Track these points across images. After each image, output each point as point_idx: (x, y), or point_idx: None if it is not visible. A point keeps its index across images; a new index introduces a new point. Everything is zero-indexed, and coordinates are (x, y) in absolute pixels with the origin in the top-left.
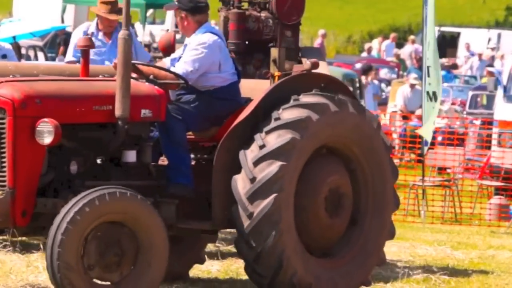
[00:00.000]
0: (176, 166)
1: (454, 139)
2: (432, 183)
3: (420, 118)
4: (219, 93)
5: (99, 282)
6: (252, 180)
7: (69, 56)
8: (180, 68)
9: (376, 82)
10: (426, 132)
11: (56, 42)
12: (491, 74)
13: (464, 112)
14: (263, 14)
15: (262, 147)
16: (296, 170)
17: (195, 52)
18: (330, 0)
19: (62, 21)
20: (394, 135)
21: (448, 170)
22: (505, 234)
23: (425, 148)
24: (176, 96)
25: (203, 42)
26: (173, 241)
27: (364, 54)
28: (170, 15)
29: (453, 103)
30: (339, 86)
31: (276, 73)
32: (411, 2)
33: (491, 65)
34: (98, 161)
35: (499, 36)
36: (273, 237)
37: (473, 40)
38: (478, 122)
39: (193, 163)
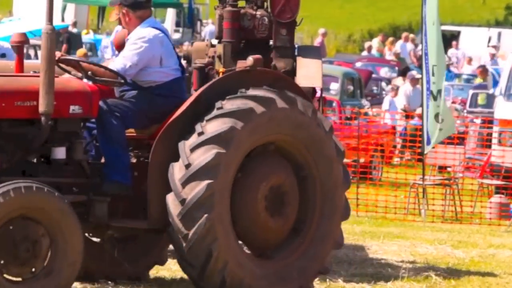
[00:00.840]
0: (112, 164)
1: (455, 138)
2: (432, 182)
3: (420, 117)
4: (161, 90)
5: (9, 277)
6: (187, 166)
7: (108, 54)
8: (119, 63)
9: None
10: (431, 131)
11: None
12: (482, 73)
13: (465, 111)
14: (259, 12)
15: (200, 134)
16: (234, 160)
17: (134, 47)
18: None
19: (63, 20)
20: (397, 131)
21: (449, 169)
22: (505, 232)
23: (428, 147)
24: (120, 93)
25: (142, 36)
26: (127, 241)
27: (365, 53)
28: (170, 13)
29: (453, 102)
30: (289, 84)
31: (221, 69)
32: (411, 1)
33: (483, 66)
34: (28, 157)
35: (499, 35)
36: (204, 225)
37: (473, 39)
38: (478, 121)
39: (134, 160)
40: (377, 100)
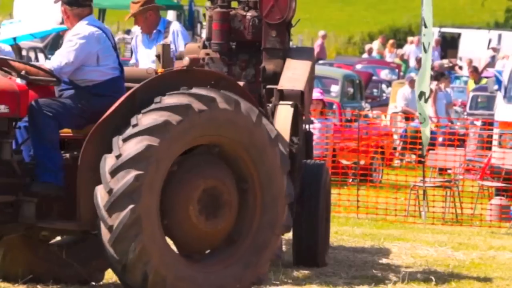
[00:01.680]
0: (43, 164)
1: (455, 140)
2: (433, 184)
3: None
4: (97, 89)
5: None
6: (118, 156)
7: (133, 59)
8: (54, 61)
9: (448, 90)
10: (423, 133)
11: (58, 43)
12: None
13: (465, 113)
14: (249, 14)
15: (135, 125)
16: (168, 154)
17: (69, 44)
18: (331, 1)
19: (63, 22)
20: (395, 136)
21: (449, 171)
22: (506, 235)
23: (424, 149)
24: (59, 92)
25: (77, 33)
26: (77, 243)
27: (365, 55)
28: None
29: (454, 104)
30: (232, 85)
31: (160, 70)
32: (411, 3)
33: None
34: None
35: (499, 37)
36: (129, 216)
37: (474, 41)
38: (478, 123)
39: (69, 161)
40: (377, 103)
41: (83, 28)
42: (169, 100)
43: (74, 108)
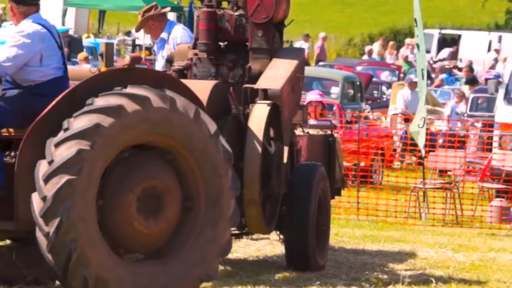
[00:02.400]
0: None
1: (455, 141)
2: (433, 186)
3: None
4: (39, 89)
5: None
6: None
7: (159, 65)
8: None
9: None
10: (415, 135)
11: None
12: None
13: (465, 115)
14: (237, 13)
15: (66, 130)
16: (101, 157)
17: (12, 40)
18: (331, 3)
19: (63, 24)
20: (395, 138)
21: (449, 173)
22: (506, 236)
23: (422, 151)
24: (1, 92)
25: (21, 31)
26: (26, 244)
27: (365, 57)
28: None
29: None
30: (176, 84)
31: (103, 68)
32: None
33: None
34: None
35: (499, 38)
36: (65, 222)
37: (474, 42)
38: (479, 125)
39: (10, 161)
40: (377, 104)
41: (28, 26)
42: (101, 101)
43: (16, 108)
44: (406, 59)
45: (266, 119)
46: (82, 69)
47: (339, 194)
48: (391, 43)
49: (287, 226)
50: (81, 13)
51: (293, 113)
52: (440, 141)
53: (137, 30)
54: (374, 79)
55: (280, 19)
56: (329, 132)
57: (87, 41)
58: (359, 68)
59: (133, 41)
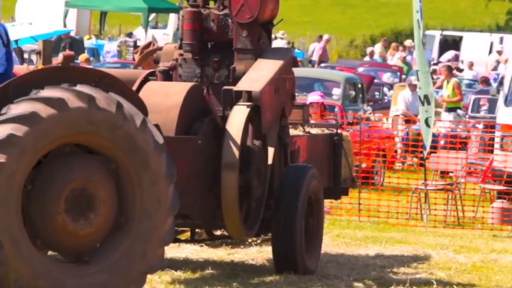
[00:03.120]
0: None
1: (457, 143)
2: (434, 187)
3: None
4: None
5: None
6: None
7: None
8: None
9: None
10: (424, 136)
11: (59, 46)
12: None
13: (467, 116)
14: (222, 13)
15: None
16: (19, 167)
17: None
18: (333, 5)
19: (64, 25)
20: (397, 139)
21: (451, 174)
22: (507, 237)
23: (424, 152)
24: None
25: None
26: None
27: (367, 58)
28: (172, 19)
29: None
30: (114, 82)
31: (40, 66)
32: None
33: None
34: None
35: (501, 40)
36: None
37: (475, 44)
38: (480, 126)
39: None
40: (379, 106)
41: None
42: (15, 110)
43: None
44: (404, 60)
45: (244, 121)
46: (24, 67)
47: (346, 194)
48: (393, 44)
49: (274, 228)
50: (83, 15)
51: (278, 114)
52: (442, 142)
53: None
54: (375, 81)
55: (267, 19)
56: (334, 131)
57: (89, 42)
58: (360, 70)
59: (135, 42)
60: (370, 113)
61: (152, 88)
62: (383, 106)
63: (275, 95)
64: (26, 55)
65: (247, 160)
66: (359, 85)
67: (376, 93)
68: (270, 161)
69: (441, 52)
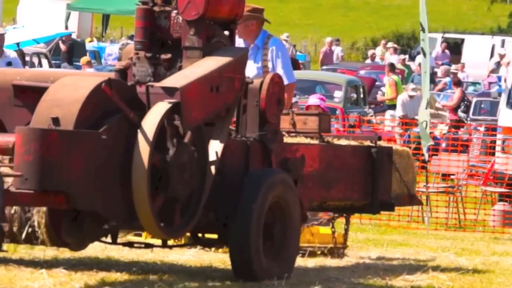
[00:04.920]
0: None
1: (458, 145)
2: (436, 190)
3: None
4: None
5: None
6: None
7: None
8: None
9: None
10: (423, 138)
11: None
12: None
13: (468, 119)
14: (175, 11)
15: None
16: None
17: None
18: (334, 7)
19: (66, 28)
20: (398, 142)
21: (452, 177)
22: (509, 240)
23: (425, 155)
24: None
25: None
26: None
27: (368, 61)
28: None
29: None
30: None
31: None
32: (414, 9)
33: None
34: None
35: (503, 42)
36: None
37: (477, 46)
38: (482, 129)
39: None
40: (380, 108)
41: None
42: None
43: None
44: (403, 62)
45: (160, 118)
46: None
47: (390, 210)
48: (390, 44)
49: (230, 234)
50: (85, 17)
51: (215, 113)
52: (443, 145)
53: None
54: (377, 83)
55: (222, 17)
56: (370, 143)
57: (90, 45)
58: (362, 72)
59: None
60: (371, 116)
61: (64, 82)
62: (384, 109)
63: (210, 94)
64: (27, 58)
65: (164, 159)
66: (361, 88)
67: (378, 95)
68: (212, 161)
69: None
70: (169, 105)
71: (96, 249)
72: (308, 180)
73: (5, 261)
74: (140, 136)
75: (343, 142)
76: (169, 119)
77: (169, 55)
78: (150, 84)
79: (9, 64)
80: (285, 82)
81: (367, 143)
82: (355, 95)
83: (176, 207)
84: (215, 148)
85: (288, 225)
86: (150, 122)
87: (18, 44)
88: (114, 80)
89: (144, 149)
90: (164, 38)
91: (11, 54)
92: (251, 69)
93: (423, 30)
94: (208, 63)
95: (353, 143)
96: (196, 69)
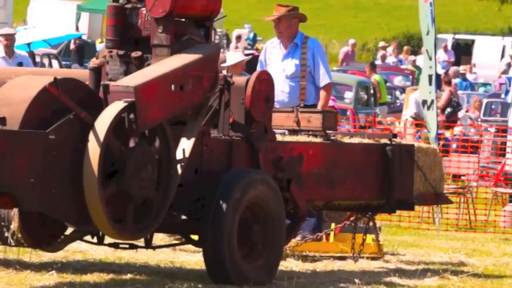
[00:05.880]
0: None
1: (469, 146)
2: (446, 191)
3: None
4: None
5: None
6: None
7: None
8: None
9: None
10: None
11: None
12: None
13: (479, 120)
14: (145, 9)
15: None
16: None
17: None
18: (345, 8)
19: (77, 29)
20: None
21: (463, 178)
22: None
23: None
24: None
25: None
26: None
27: (379, 62)
28: None
29: (467, 111)
30: None
31: None
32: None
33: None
34: None
35: None
36: None
37: (487, 47)
38: (492, 130)
39: None
40: (391, 109)
41: None
42: None
43: None
44: (414, 64)
45: (112, 119)
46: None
47: (410, 209)
48: (405, 47)
49: (202, 235)
50: (95, 18)
51: (177, 112)
52: (454, 146)
53: (275, 20)
54: (387, 84)
55: (197, 14)
56: (386, 141)
57: (101, 46)
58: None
59: None
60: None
61: (16, 82)
62: (395, 110)
63: (171, 93)
64: (38, 59)
65: (119, 158)
66: (371, 89)
67: (388, 96)
68: (179, 160)
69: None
70: (124, 105)
71: (106, 251)
72: (307, 179)
73: (15, 263)
74: (91, 136)
75: (355, 140)
76: (128, 118)
77: (139, 53)
78: (106, 83)
79: (20, 64)
80: (325, 82)
81: (384, 141)
82: (365, 96)
83: (133, 207)
84: (183, 147)
85: (269, 226)
86: (102, 121)
87: (29, 45)
88: (67, 79)
89: (95, 149)
90: (136, 36)
91: (22, 53)
92: (289, 66)
93: (427, 33)
94: (172, 61)
95: (366, 141)
96: (158, 67)
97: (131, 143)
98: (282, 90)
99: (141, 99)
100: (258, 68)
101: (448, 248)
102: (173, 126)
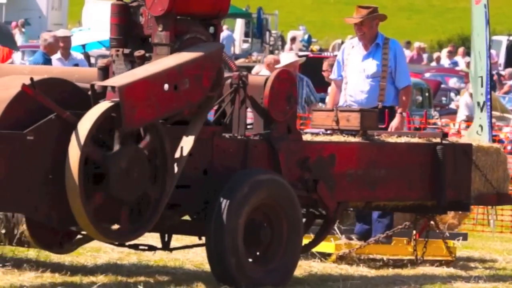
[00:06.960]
0: None
1: None
2: None
3: None
4: None
5: None
6: None
7: (334, 74)
8: None
9: None
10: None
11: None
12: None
13: None
14: None
15: None
16: None
17: None
18: (399, 10)
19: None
20: None
21: None
22: None
23: None
24: None
25: None
26: None
27: (433, 64)
28: (238, 23)
29: None
30: None
31: None
32: None
33: None
34: None
35: None
36: None
37: None
38: None
39: None
40: (446, 111)
41: None
42: None
43: None
44: (468, 65)
45: (95, 119)
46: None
47: (465, 210)
48: (460, 49)
49: (206, 236)
50: None
51: (170, 112)
52: (509, 147)
53: (357, 23)
54: (442, 86)
55: (204, 12)
56: (437, 140)
57: None
58: (427, 75)
59: None
60: (437, 118)
61: (0, 82)
62: (450, 111)
63: (164, 93)
64: (93, 60)
65: (105, 158)
66: (426, 91)
67: (443, 98)
68: (176, 160)
69: (509, 57)
70: (110, 105)
71: (114, 252)
72: (340, 180)
73: (24, 262)
74: (73, 137)
75: (401, 140)
76: (116, 119)
77: (142, 52)
78: (94, 83)
79: (75, 66)
80: (405, 83)
81: (436, 140)
82: (420, 98)
83: (123, 208)
84: (181, 147)
85: (282, 228)
86: (85, 122)
87: (83, 46)
88: (51, 79)
89: (76, 150)
90: (141, 35)
91: (78, 56)
92: (370, 65)
93: (478, 34)
94: (167, 60)
95: (413, 140)
96: (151, 67)
97: (116, 145)
98: (361, 90)
99: (127, 99)
100: (335, 69)
101: (503, 250)
102: (173, 126)
